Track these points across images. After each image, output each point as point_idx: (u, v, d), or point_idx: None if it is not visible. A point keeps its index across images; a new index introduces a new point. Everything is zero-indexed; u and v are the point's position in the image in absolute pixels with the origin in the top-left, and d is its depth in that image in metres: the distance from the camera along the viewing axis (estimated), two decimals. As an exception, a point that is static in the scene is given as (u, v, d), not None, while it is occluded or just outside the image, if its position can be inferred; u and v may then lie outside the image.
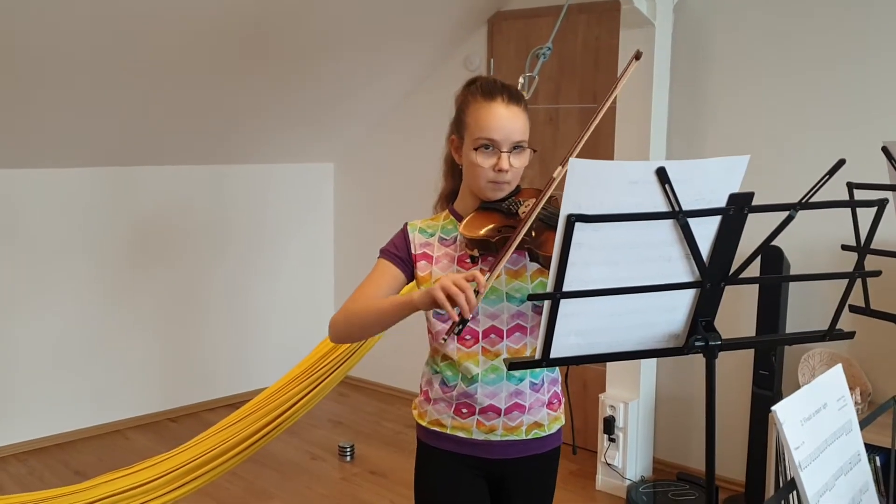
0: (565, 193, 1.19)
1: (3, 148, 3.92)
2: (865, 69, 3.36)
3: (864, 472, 1.34)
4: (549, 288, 1.25)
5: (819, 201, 1.35)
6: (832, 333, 1.47)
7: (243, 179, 5.02)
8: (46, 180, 4.22)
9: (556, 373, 1.88)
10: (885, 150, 2.06)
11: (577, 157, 1.52)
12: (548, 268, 1.68)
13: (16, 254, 4.17)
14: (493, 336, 1.76)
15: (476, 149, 1.74)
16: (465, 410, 1.80)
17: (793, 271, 3.40)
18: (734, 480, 3.73)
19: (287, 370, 3.41)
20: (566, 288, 1.25)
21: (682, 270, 1.32)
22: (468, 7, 4.45)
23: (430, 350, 1.88)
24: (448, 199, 1.91)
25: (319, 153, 5.33)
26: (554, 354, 1.31)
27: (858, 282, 1.53)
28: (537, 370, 1.80)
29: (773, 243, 1.42)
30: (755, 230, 1.42)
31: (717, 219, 1.29)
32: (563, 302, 1.26)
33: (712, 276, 1.33)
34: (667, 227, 1.27)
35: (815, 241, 3.37)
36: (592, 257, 1.25)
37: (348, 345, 3.20)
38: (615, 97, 1.74)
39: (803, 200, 1.33)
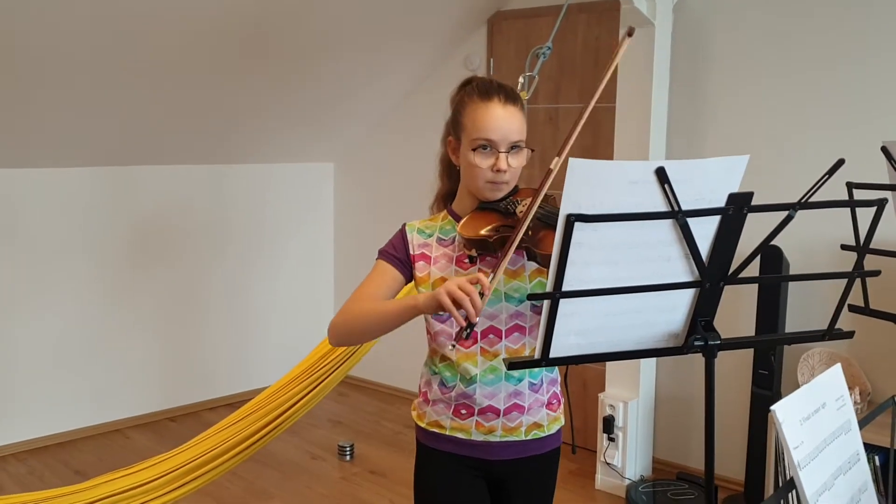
0: (565, 193, 1.19)
1: (3, 148, 3.92)
2: (865, 69, 3.36)
3: (863, 472, 1.34)
4: (549, 287, 1.25)
5: (818, 201, 1.35)
6: (831, 333, 1.47)
7: (243, 179, 5.03)
8: (46, 180, 4.22)
9: (556, 373, 1.88)
10: (884, 149, 2.06)
11: (573, 148, 1.52)
12: (545, 266, 1.68)
13: (16, 254, 4.17)
14: (491, 336, 1.76)
15: (474, 149, 1.73)
16: (463, 411, 1.79)
17: (792, 271, 3.40)
18: (734, 480, 3.73)
19: (287, 370, 3.41)
20: (566, 287, 1.25)
21: (682, 270, 1.32)
22: (468, 7, 4.45)
23: (428, 351, 1.88)
24: (444, 199, 1.91)
25: (319, 153, 5.34)
26: (553, 354, 1.31)
27: (858, 281, 1.54)
28: (536, 370, 1.80)
29: (773, 243, 1.43)
30: (755, 230, 1.42)
31: (717, 218, 1.29)
32: (562, 301, 1.26)
33: (711, 276, 1.33)
34: (666, 227, 1.27)
35: (814, 241, 3.37)
36: (592, 257, 1.25)
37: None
38: (608, 82, 1.73)
39: (803, 200, 1.33)
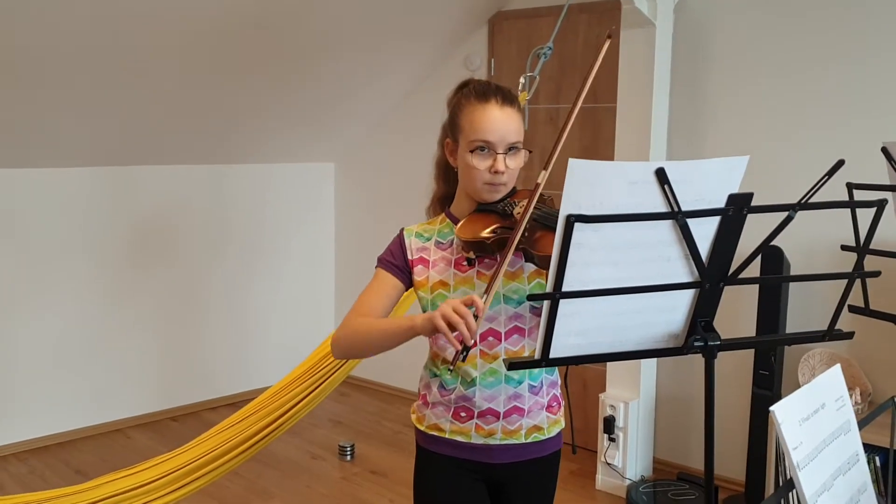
0: (565, 193, 1.19)
1: (3, 148, 3.92)
2: (865, 69, 3.36)
3: (862, 473, 1.34)
4: (549, 288, 1.25)
5: (818, 202, 1.35)
6: (831, 334, 1.47)
7: (243, 179, 5.03)
8: (46, 180, 4.22)
9: (555, 375, 1.87)
10: (884, 150, 2.06)
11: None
12: (542, 267, 1.69)
13: (16, 254, 4.17)
14: (491, 339, 1.76)
15: (471, 151, 1.73)
16: (463, 414, 1.79)
17: (793, 271, 3.40)
18: (734, 480, 3.73)
19: (287, 370, 3.42)
20: (566, 288, 1.25)
21: (682, 271, 1.32)
22: (468, 7, 4.45)
23: (428, 353, 1.87)
24: (441, 202, 1.91)
25: (319, 153, 5.34)
26: (553, 354, 1.31)
27: (858, 282, 1.54)
28: (536, 372, 1.80)
29: (774, 243, 1.43)
30: (755, 230, 1.42)
31: (717, 219, 1.29)
32: (562, 302, 1.26)
33: (711, 277, 1.33)
34: (666, 228, 1.27)
35: (815, 242, 3.37)
36: (592, 257, 1.25)
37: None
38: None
39: (802, 201, 1.33)
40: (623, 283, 1.29)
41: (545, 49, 3.23)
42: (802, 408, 1.23)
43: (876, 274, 1.50)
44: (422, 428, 1.86)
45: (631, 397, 3.81)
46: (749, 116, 3.68)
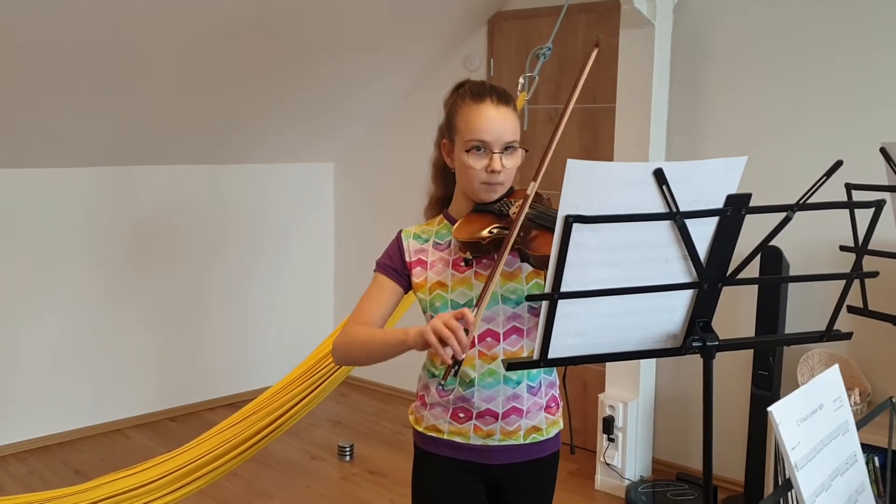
0: (563, 194, 1.19)
1: (3, 148, 3.93)
2: (864, 68, 3.36)
3: (860, 473, 1.34)
4: (548, 288, 1.25)
5: (816, 202, 1.35)
6: (829, 334, 1.47)
7: (243, 179, 5.03)
8: (46, 180, 4.22)
9: (554, 376, 1.87)
10: (883, 151, 2.06)
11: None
12: (537, 267, 1.69)
13: (16, 254, 4.17)
14: (489, 339, 1.76)
15: (468, 151, 1.73)
16: (461, 415, 1.79)
17: (792, 272, 3.40)
18: (733, 481, 3.73)
19: (287, 370, 3.42)
20: (564, 288, 1.25)
21: (680, 271, 1.32)
22: (468, 7, 4.46)
23: (427, 354, 1.87)
24: (438, 204, 1.91)
25: (319, 153, 5.34)
26: (552, 355, 1.31)
27: (857, 282, 1.54)
28: (534, 373, 1.80)
29: (773, 244, 1.43)
30: (755, 230, 1.43)
31: (715, 220, 1.29)
32: (561, 302, 1.26)
33: (709, 277, 1.33)
34: (664, 228, 1.27)
35: (814, 242, 3.38)
36: (590, 258, 1.25)
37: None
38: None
39: (800, 202, 1.33)
40: (621, 283, 1.29)
41: (544, 49, 3.23)
42: (800, 408, 1.24)
43: (874, 274, 1.50)
44: (420, 429, 1.86)
45: (630, 397, 3.81)
46: (748, 116, 3.68)
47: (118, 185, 4.49)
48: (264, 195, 5.14)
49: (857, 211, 1.70)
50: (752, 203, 1.30)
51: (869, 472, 2.79)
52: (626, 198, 1.22)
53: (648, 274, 1.30)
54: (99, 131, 4.12)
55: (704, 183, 1.26)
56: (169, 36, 3.66)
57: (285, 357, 4.51)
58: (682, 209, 1.25)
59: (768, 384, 3.39)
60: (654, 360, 3.86)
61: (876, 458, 2.97)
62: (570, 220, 1.20)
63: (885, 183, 2.06)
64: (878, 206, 1.41)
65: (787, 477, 1.20)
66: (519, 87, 3.15)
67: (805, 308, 3.49)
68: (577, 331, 1.31)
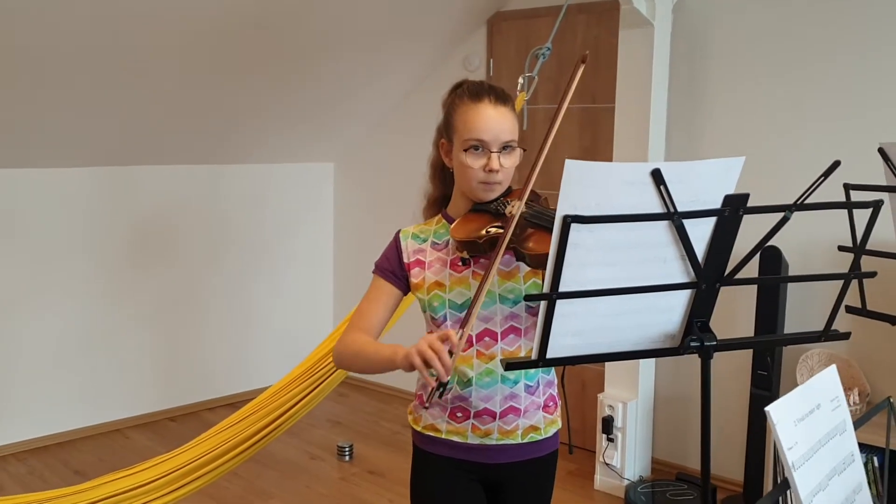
0: (561, 194, 1.19)
1: (3, 148, 3.93)
2: (863, 68, 3.36)
3: (857, 473, 1.34)
4: (546, 288, 1.26)
5: (814, 203, 1.35)
6: (827, 334, 1.47)
7: (243, 179, 5.03)
8: (46, 180, 4.23)
9: (552, 375, 1.87)
10: (881, 151, 2.06)
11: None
12: (533, 266, 1.69)
13: (16, 254, 4.18)
14: (487, 339, 1.76)
15: (466, 150, 1.74)
16: (459, 414, 1.79)
17: (791, 272, 3.41)
18: (732, 481, 3.73)
19: (287, 370, 3.42)
20: (562, 288, 1.25)
21: (678, 271, 1.32)
22: (468, 7, 4.46)
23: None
24: (436, 204, 1.91)
25: (319, 153, 5.34)
26: (550, 355, 1.31)
27: (855, 282, 1.54)
28: (532, 372, 1.80)
29: (772, 243, 1.43)
30: (753, 230, 1.43)
31: (713, 220, 1.29)
32: (559, 302, 1.26)
33: (707, 277, 1.34)
34: (662, 229, 1.28)
35: (813, 242, 3.38)
36: (588, 258, 1.25)
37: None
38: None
39: (798, 202, 1.33)
40: (620, 283, 1.29)
41: (544, 49, 3.23)
42: (798, 408, 1.24)
43: (872, 274, 1.50)
44: (418, 428, 1.86)
45: (629, 397, 3.81)
46: (747, 116, 3.68)
47: (118, 185, 4.49)
48: (264, 195, 5.14)
49: (855, 211, 1.71)
50: (750, 203, 1.30)
51: (868, 472, 2.79)
52: (625, 198, 1.22)
53: (646, 274, 1.30)
54: (99, 131, 4.12)
55: (702, 183, 1.26)
56: (169, 36, 3.67)
57: (285, 357, 4.51)
58: (680, 209, 1.25)
59: (767, 384, 3.39)
60: (653, 360, 3.87)
61: (875, 459, 2.97)
62: (569, 220, 1.20)
63: (884, 183, 2.06)
64: (876, 206, 1.42)
65: (785, 477, 1.20)
66: (518, 87, 3.15)
67: (804, 308, 3.49)
68: (575, 331, 1.31)
